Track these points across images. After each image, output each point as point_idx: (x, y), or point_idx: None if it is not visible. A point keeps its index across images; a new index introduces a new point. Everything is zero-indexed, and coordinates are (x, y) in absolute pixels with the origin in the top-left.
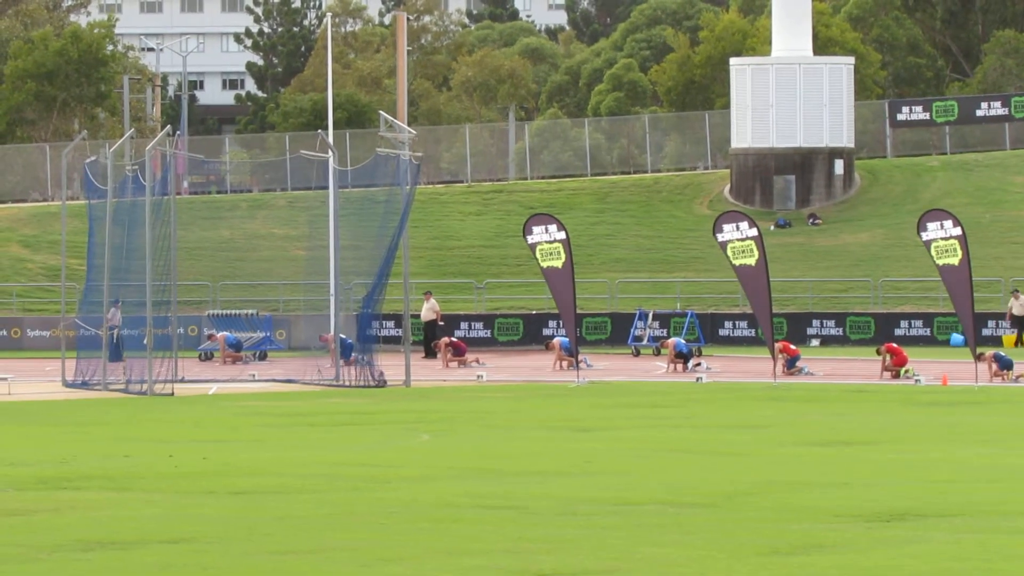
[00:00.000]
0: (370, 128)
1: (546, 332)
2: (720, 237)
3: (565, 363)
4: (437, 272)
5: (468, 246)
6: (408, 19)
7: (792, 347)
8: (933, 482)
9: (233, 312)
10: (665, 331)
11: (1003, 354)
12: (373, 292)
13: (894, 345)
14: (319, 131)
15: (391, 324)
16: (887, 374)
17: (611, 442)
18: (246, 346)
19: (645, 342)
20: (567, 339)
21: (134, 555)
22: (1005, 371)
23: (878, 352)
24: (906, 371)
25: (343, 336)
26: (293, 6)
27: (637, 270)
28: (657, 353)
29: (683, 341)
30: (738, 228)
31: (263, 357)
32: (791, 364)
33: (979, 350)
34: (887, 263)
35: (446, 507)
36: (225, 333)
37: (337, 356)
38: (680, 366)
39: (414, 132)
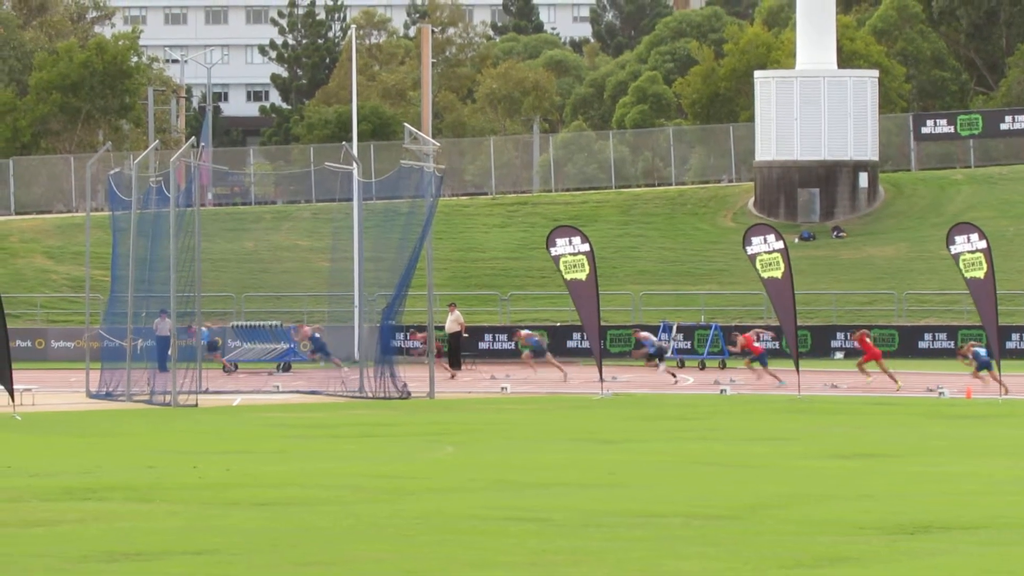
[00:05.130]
0: (394, 140)
1: (570, 344)
2: (749, 250)
3: (534, 366)
4: (461, 284)
5: (492, 258)
6: (433, 31)
7: (756, 344)
8: (958, 495)
9: (257, 324)
10: (690, 343)
11: (982, 352)
12: (393, 304)
13: (867, 340)
14: (343, 143)
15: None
16: (866, 371)
17: (635, 454)
18: (267, 357)
19: (669, 354)
20: (536, 338)
21: (158, 566)
22: (983, 372)
23: (853, 338)
24: (868, 371)
25: (317, 335)
26: (318, 18)
27: (661, 282)
28: (681, 365)
29: (653, 340)
30: (765, 241)
31: (287, 368)
32: (756, 359)
33: (959, 344)
34: (911, 276)
35: (470, 519)
36: (202, 328)
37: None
38: (654, 365)
39: (438, 144)
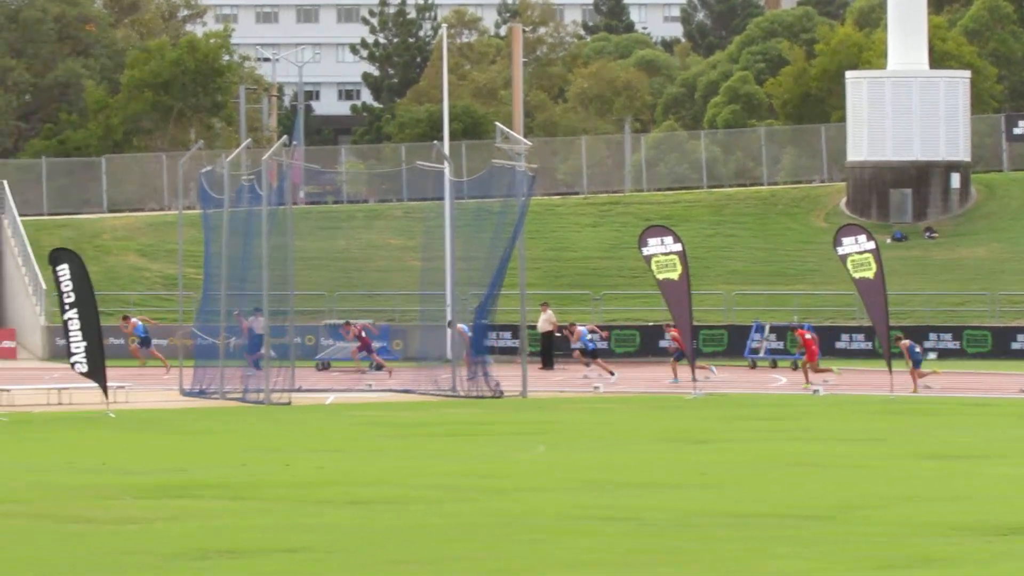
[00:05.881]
0: (486, 139)
1: (663, 344)
2: (840, 250)
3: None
4: (553, 283)
5: (584, 257)
6: (524, 31)
7: (681, 340)
8: None
9: (349, 322)
10: (782, 344)
11: (918, 350)
12: (485, 303)
13: (807, 335)
14: (435, 142)
15: (508, 335)
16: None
17: (727, 454)
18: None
19: (762, 354)
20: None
21: (251, 564)
22: (915, 369)
23: (791, 332)
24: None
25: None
26: (408, 17)
27: (754, 282)
28: (774, 365)
29: (589, 337)
30: (857, 241)
31: (379, 367)
32: (679, 356)
33: (895, 334)
34: (1004, 277)
35: (563, 518)
36: (136, 320)
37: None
38: (585, 363)
39: (530, 143)
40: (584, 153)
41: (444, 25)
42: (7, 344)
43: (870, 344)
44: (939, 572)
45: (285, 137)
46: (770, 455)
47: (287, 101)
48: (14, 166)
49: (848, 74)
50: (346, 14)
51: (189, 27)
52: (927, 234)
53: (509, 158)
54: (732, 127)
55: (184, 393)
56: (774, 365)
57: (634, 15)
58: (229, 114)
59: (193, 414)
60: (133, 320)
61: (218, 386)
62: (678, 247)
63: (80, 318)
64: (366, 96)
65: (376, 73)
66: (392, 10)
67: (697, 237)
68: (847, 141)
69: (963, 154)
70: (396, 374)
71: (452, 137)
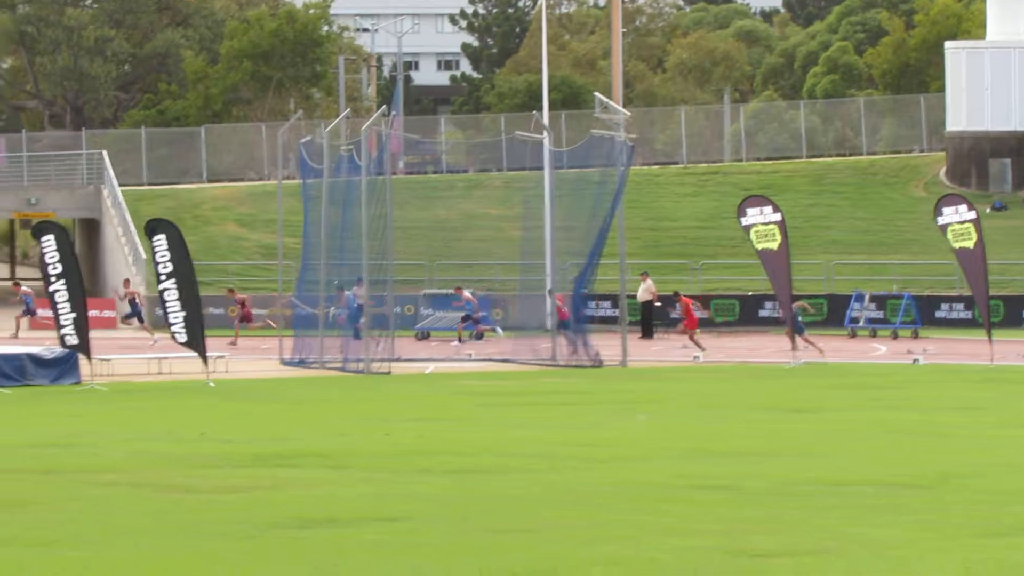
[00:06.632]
0: (585, 109)
1: (762, 313)
2: (941, 220)
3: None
4: (653, 253)
5: (684, 227)
6: (623, 1)
7: (563, 309)
8: None
9: (449, 291)
10: (882, 313)
11: (801, 320)
12: (585, 272)
13: (690, 304)
14: (534, 112)
15: (608, 304)
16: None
17: (826, 423)
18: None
19: (862, 324)
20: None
21: (350, 533)
22: (797, 335)
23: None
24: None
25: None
26: None
27: (853, 252)
28: (874, 335)
29: (473, 303)
30: (957, 211)
31: (479, 336)
32: (564, 325)
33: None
34: None
35: (661, 487)
36: (29, 290)
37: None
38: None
39: (629, 114)
40: (683, 123)
41: None
42: (108, 314)
43: (970, 314)
44: None
45: (384, 107)
46: (869, 424)
47: (386, 71)
48: (114, 136)
49: (947, 44)
50: None
51: None
52: None
53: (608, 128)
54: (831, 97)
55: (284, 363)
56: (874, 334)
57: None
58: (328, 84)
59: (292, 383)
60: (24, 288)
61: (318, 356)
62: (777, 217)
63: (178, 288)
64: (465, 66)
65: (475, 43)
66: None
67: (796, 207)
68: (946, 111)
69: None
70: (496, 343)
71: (551, 107)
